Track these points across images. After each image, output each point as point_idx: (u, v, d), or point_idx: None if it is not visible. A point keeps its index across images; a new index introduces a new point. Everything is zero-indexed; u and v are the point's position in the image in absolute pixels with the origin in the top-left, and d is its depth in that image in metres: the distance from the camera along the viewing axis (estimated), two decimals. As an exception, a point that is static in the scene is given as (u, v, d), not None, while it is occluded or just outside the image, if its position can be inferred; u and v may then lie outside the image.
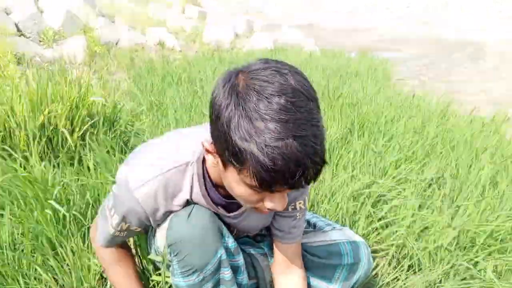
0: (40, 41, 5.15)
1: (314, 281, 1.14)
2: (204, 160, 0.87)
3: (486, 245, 1.47)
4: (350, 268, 1.11)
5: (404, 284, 1.37)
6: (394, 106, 2.91)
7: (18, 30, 5.04)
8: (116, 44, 6.00)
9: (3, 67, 3.90)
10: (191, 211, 0.88)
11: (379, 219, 1.60)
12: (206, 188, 0.89)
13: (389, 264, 1.43)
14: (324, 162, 0.68)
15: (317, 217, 1.26)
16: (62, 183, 1.57)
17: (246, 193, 0.73)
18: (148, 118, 2.91)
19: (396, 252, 1.49)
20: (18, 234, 1.38)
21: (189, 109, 3.11)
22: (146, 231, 1.05)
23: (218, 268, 0.91)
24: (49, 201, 1.39)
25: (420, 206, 1.71)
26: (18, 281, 1.17)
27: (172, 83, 3.88)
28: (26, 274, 1.20)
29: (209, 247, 0.88)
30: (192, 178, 0.87)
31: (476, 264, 1.41)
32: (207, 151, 0.76)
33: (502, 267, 1.41)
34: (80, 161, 1.94)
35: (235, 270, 0.99)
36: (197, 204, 0.90)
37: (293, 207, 1.00)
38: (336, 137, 2.29)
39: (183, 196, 0.88)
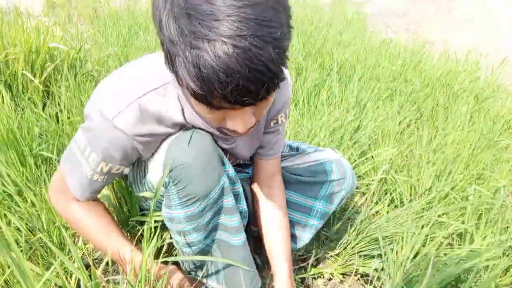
0: (-8, -10, 4.74)
1: (299, 199, 1.12)
2: None
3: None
4: (336, 183, 1.09)
5: (388, 215, 1.36)
6: (371, 52, 2.86)
7: (-34, -23, 4.61)
8: (77, -6, 5.61)
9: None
10: (192, 134, 0.79)
11: (360, 154, 1.58)
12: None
13: (371, 200, 1.42)
14: (270, 69, 0.53)
15: (299, 142, 1.23)
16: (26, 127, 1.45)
17: (202, 110, 0.63)
18: (115, 65, 2.75)
19: (378, 186, 1.48)
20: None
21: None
22: (126, 176, 0.96)
23: (220, 196, 0.84)
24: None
25: (399, 141, 1.70)
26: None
27: (139, 32, 3.68)
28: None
29: (212, 173, 0.79)
30: (178, 99, 0.77)
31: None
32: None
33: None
34: (44, 108, 1.81)
35: (235, 198, 0.92)
36: (193, 127, 0.81)
37: (275, 121, 0.96)
38: (315, 82, 2.23)
39: (175, 117, 0.78)
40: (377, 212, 1.46)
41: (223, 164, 0.85)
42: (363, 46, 3.16)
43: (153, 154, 0.84)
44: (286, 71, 0.82)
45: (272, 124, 0.96)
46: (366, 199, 1.42)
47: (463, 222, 1.24)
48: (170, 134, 0.81)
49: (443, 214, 1.28)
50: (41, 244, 1.07)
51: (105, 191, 1.10)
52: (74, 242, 1.11)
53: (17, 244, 1.03)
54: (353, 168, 1.51)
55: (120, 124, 0.74)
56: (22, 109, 1.70)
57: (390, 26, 6.51)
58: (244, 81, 0.52)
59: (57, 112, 1.75)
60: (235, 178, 0.90)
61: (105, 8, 4.94)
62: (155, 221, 0.94)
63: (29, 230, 1.10)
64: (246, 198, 1.06)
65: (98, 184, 0.85)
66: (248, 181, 1.09)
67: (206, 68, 0.51)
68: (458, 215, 1.28)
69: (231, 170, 0.88)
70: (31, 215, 1.11)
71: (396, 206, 1.46)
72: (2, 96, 1.58)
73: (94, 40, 3.48)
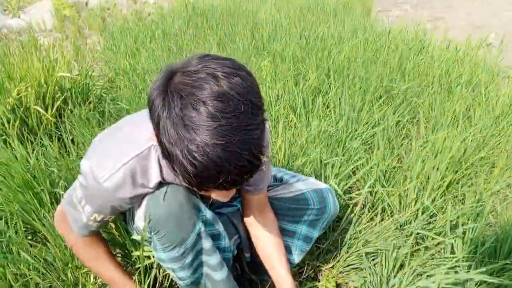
0: (4, 10, 4.94)
1: (282, 224, 1.22)
2: None
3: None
4: (317, 211, 1.20)
5: (376, 228, 1.44)
6: (370, 47, 2.87)
7: (-20, 0, 4.81)
8: (86, 4, 5.75)
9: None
10: (166, 190, 0.91)
11: (352, 163, 1.65)
12: None
13: (361, 213, 1.49)
14: (253, 163, 0.67)
15: (283, 171, 1.32)
16: (40, 166, 1.60)
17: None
18: (123, 83, 2.87)
19: (369, 197, 1.55)
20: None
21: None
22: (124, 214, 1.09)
23: (198, 240, 0.97)
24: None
25: (392, 148, 1.75)
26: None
27: (146, 41, 3.79)
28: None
29: (186, 223, 0.92)
30: (159, 159, 0.89)
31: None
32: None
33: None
34: (59, 138, 1.96)
35: (216, 237, 1.05)
36: (171, 183, 0.93)
37: None
38: (313, 88, 2.28)
39: (155, 178, 0.90)
40: (371, 219, 1.53)
41: (199, 210, 0.96)
42: (363, 38, 3.16)
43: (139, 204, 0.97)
44: (265, 115, 0.92)
45: None
46: (356, 212, 1.49)
47: (444, 235, 1.31)
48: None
49: (425, 226, 1.35)
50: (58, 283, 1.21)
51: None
52: (86, 280, 1.25)
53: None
54: (344, 180, 1.59)
55: (109, 187, 0.87)
56: (38, 144, 1.85)
57: (398, 2, 6.37)
58: (233, 176, 0.66)
59: (72, 139, 1.90)
60: (214, 220, 1.02)
61: (113, 18, 5.05)
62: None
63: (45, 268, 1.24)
64: (236, 227, 1.17)
65: (93, 227, 1.00)
66: (238, 213, 1.19)
67: (200, 168, 0.64)
68: (441, 225, 1.35)
69: (208, 214, 0.99)
70: (46, 253, 1.26)
71: (388, 216, 1.53)
72: (16, 143, 1.71)
73: (103, 56, 3.61)
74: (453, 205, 1.42)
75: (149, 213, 0.90)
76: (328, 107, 2.24)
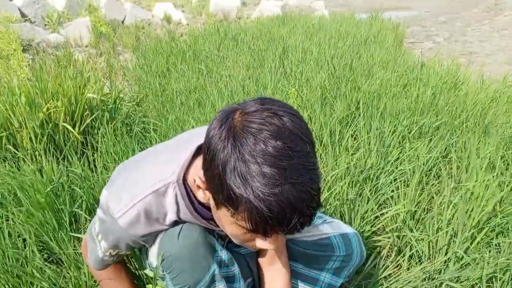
0: (45, 25, 5.14)
1: (305, 270, 1.14)
2: (185, 179, 0.86)
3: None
4: (342, 259, 1.12)
5: (406, 274, 1.36)
6: (402, 80, 2.81)
7: (23, 15, 5.03)
8: (122, 22, 5.93)
9: (9, 56, 3.92)
10: (181, 229, 0.88)
11: (379, 205, 1.58)
12: (193, 205, 0.88)
13: (388, 256, 1.41)
14: (319, 205, 0.66)
15: None
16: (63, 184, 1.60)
17: (238, 233, 0.73)
18: (152, 104, 2.90)
19: (396, 241, 1.47)
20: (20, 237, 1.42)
21: (193, 91, 3.08)
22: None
23: (212, 282, 0.92)
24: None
25: (422, 189, 1.67)
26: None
27: (176, 62, 3.84)
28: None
29: (200, 264, 0.88)
30: (176, 198, 0.86)
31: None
32: (198, 187, 0.76)
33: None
34: (83, 154, 1.97)
35: (231, 279, 1.00)
36: (186, 221, 0.90)
37: None
38: (340, 118, 2.23)
39: (170, 217, 0.88)
40: (398, 265, 1.45)
41: (215, 250, 0.91)
42: (394, 69, 3.11)
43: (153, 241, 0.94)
44: None
45: None
46: (382, 255, 1.42)
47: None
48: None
49: (457, 278, 1.26)
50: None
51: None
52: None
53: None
54: (370, 222, 1.52)
55: (123, 224, 0.85)
56: (64, 161, 1.86)
57: (430, 34, 6.29)
58: (302, 216, 0.64)
59: (94, 159, 1.90)
60: (230, 262, 0.97)
61: (147, 36, 5.18)
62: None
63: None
64: (251, 271, 1.12)
65: (108, 261, 0.99)
66: (254, 254, 1.14)
67: (275, 210, 0.62)
68: (475, 278, 1.25)
69: (223, 254, 0.94)
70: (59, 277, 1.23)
71: (416, 263, 1.44)
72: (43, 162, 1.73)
73: (135, 74, 3.68)
74: (487, 254, 1.33)
75: (163, 251, 0.87)
76: (355, 139, 2.19)
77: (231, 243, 1.10)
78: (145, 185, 0.85)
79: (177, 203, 0.86)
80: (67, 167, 1.81)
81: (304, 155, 0.64)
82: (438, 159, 1.91)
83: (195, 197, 0.88)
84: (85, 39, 5.01)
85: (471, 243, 1.38)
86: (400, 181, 1.68)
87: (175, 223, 0.89)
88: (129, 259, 1.26)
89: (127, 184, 0.87)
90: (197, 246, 0.87)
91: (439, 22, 7.33)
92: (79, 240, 1.43)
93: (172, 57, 3.97)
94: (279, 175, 0.61)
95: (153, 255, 0.93)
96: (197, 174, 0.79)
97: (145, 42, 4.91)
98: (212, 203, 0.75)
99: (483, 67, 3.49)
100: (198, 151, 0.85)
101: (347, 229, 1.16)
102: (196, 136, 0.88)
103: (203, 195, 0.77)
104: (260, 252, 1.10)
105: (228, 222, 0.72)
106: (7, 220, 1.48)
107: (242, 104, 0.69)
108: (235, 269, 0.99)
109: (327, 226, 1.15)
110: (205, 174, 0.71)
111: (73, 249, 1.32)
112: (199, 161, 0.81)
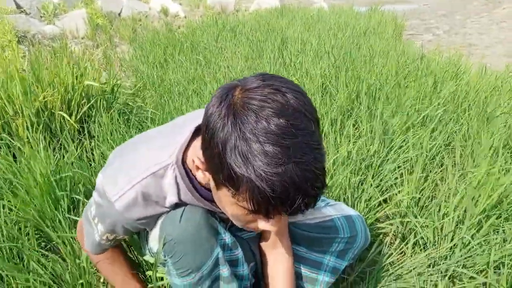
0: (41, 16, 5.07)
1: (309, 253, 1.11)
2: (184, 160, 0.83)
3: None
4: (347, 241, 1.09)
5: (411, 261, 1.33)
6: (402, 69, 2.78)
7: (18, 7, 4.96)
8: (119, 14, 5.87)
9: (4, 47, 3.86)
10: (183, 211, 0.84)
11: (382, 193, 1.55)
12: (194, 187, 0.85)
13: (391, 243, 1.39)
14: (324, 185, 0.63)
15: None
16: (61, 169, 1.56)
17: (239, 214, 0.70)
18: (150, 94, 2.87)
19: (400, 228, 1.45)
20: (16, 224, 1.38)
21: (191, 82, 3.04)
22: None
23: (215, 266, 0.89)
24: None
25: (426, 177, 1.65)
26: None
27: (174, 53, 3.80)
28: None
29: (203, 247, 0.84)
30: (176, 179, 0.83)
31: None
32: (197, 167, 0.73)
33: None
34: (80, 143, 1.94)
35: (235, 263, 0.97)
36: (188, 204, 0.87)
37: None
38: (341, 107, 2.20)
39: (171, 199, 0.85)
40: (402, 252, 1.42)
41: (218, 233, 0.88)
42: (397, 58, 3.08)
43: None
44: None
45: None
46: (386, 242, 1.39)
47: (485, 274, 1.19)
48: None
49: (464, 264, 1.24)
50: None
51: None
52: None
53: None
54: (374, 209, 1.49)
55: (120, 207, 0.82)
56: (60, 149, 1.82)
57: (430, 27, 6.26)
58: (306, 196, 0.61)
59: (91, 148, 1.87)
60: (233, 245, 0.94)
61: (144, 29, 5.12)
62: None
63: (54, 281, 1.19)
64: (254, 255, 1.09)
65: (106, 245, 0.96)
66: (256, 238, 1.11)
67: (278, 190, 0.59)
68: (482, 264, 1.23)
69: (227, 238, 0.91)
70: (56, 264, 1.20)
71: (421, 249, 1.42)
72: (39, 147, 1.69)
73: (131, 65, 3.63)
74: (494, 241, 1.30)
75: (164, 235, 0.83)
76: (357, 128, 2.16)
77: (233, 227, 1.07)
78: (142, 167, 0.82)
79: (177, 183, 0.83)
80: (63, 156, 1.77)
81: (309, 134, 0.61)
82: (441, 147, 1.88)
83: (195, 178, 0.85)
84: (81, 31, 4.95)
85: (477, 231, 1.36)
86: (404, 168, 1.65)
87: (176, 206, 0.86)
88: (129, 248, 1.23)
89: (123, 167, 0.84)
90: (199, 229, 0.84)
91: (439, 15, 7.30)
92: (76, 227, 1.39)
93: (170, 48, 3.93)
94: (282, 154, 0.58)
95: (154, 239, 0.90)
96: (196, 154, 0.75)
97: (142, 34, 4.86)
98: (212, 184, 0.71)
99: (482, 59, 3.45)
100: (197, 132, 0.82)
101: (351, 211, 1.13)
102: (190, 120, 0.86)
103: (202, 176, 0.74)
104: (262, 236, 1.07)
105: (229, 203, 0.69)
106: (3, 208, 1.45)
107: (242, 80, 0.65)
108: (239, 252, 0.96)
109: (330, 209, 1.12)
110: (204, 153, 0.68)
111: (71, 236, 1.29)
112: (197, 142, 0.78)
